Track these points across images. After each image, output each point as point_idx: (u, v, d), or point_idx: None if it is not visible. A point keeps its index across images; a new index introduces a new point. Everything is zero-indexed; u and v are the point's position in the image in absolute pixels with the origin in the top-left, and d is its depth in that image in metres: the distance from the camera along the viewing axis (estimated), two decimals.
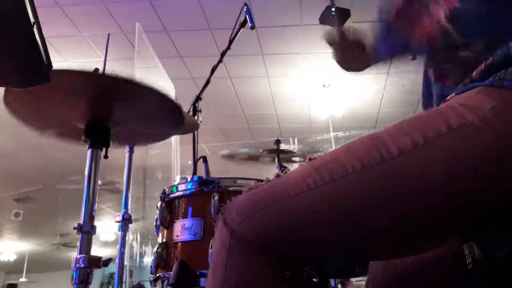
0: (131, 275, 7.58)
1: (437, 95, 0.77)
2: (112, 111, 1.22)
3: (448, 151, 0.61)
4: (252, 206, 0.70)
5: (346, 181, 0.64)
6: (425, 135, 0.62)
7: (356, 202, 0.64)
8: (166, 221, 1.42)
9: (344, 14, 3.49)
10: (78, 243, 1.14)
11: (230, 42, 2.00)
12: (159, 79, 4.05)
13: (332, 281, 1.65)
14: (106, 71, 1.15)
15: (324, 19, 3.54)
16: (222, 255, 0.69)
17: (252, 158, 2.16)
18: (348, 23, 3.65)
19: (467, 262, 0.67)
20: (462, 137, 0.60)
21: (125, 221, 1.78)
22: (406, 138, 0.63)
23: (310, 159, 0.71)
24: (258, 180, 1.40)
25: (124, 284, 1.80)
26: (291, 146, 5.20)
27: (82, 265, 1.10)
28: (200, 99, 2.17)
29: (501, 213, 0.64)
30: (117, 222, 1.78)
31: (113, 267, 1.56)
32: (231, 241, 0.69)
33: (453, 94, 0.70)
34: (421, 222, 0.64)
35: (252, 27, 1.81)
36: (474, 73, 0.67)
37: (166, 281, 1.35)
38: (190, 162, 2.21)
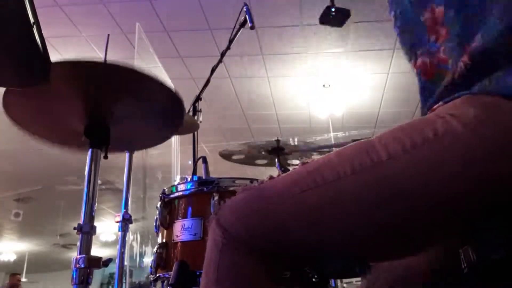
0: (131, 275, 7.58)
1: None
2: (112, 109, 1.21)
3: (434, 155, 0.63)
4: (246, 207, 0.71)
5: (338, 184, 0.66)
6: (413, 140, 0.64)
7: (347, 205, 0.65)
8: (166, 221, 1.42)
9: (344, 14, 3.49)
10: (78, 243, 1.14)
11: (230, 42, 2.00)
12: None
13: (332, 281, 1.65)
14: None
15: (324, 19, 3.54)
16: (214, 254, 0.71)
17: (250, 158, 2.16)
18: (348, 23, 3.65)
19: (463, 266, 0.68)
20: (447, 143, 0.62)
21: (125, 221, 1.78)
22: (395, 143, 0.65)
23: (303, 163, 0.73)
24: (254, 181, 1.40)
25: (124, 284, 1.80)
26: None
27: (82, 265, 1.10)
28: (200, 99, 2.17)
29: (494, 216, 0.65)
30: (117, 222, 1.78)
31: (113, 267, 1.56)
32: (224, 241, 0.70)
33: (440, 103, 0.72)
34: (412, 224, 0.65)
35: (252, 27, 1.81)
36: (455, 76, 0.69)
37: (166, 281, 1.35)
38: (190, 162, 2.21)
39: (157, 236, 1.48)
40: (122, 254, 1.75)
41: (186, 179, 1.51)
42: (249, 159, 2.15)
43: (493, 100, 0.64)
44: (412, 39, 0.79)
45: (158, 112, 1.29)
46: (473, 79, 0.67)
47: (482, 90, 0.66)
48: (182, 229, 1.35)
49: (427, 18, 0.75)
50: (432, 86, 0.75)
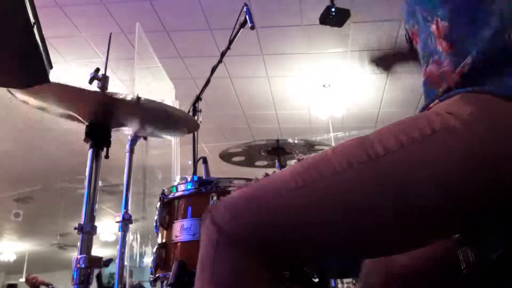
0: (131, 275, 7.58)
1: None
2: (114, 114, 1.22)
3: (431, 151, 0.63)
4: (242, 204, 0.70)
5: (334, 179, 0.66)
6: (410, 136, 0.64)
7: (344, 200, 0.65)
8: (165, 222, 1.42)
9: (344, 14, 3.49)
10: (78, 243, 1.14)
11: (230, 42, 1.99)
12: (159, 79, 4.05)
13: (332, 281, 1.65)
14: (106, 72, 1.15)
15: (324, 19, 3.54)
16: (209, 253, 0.69)
17: (250, 159, 2.16)
18: (348, 23, 3.65)
19: (462, 267, 0.68)
20: (445, 139, 0.63)
21: (125, 221, 1.77)
22: (392, 139, 0.65)
23: (299, 160, 0.72)
24: (250, 180, 1.40)
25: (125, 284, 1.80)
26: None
27: (83, 265, 1.10)
28: (200, 99, 2.17)
29: (491, 214, 0.65)
30: (117, 222, 1.78)
31: (113, 267, 1.56)
32: (219, 239, 0.68)
33: (436, 101, 0.72)
34: (409, 219, 0.65)
35: (252, 27, 1.81)
36: (454, 77, 0.70)
37: (165, 281, 1.35)
38: (190, 162, 2.20)
39: (157, 236, 1.48)
40: (122, 254, 1.75)
41: (186, 179, 1.51)
42: (249, 160, 2.15)
43: (487, 98, 0.65)
44: (428, 46, 0.79)
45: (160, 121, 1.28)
46: (470, 82, 0.68)
47: (477, 88, 0.67)
48: (181, 229, 1.35)
49: (434, 29, 0.76)
50: (433, 93, 0.76)
